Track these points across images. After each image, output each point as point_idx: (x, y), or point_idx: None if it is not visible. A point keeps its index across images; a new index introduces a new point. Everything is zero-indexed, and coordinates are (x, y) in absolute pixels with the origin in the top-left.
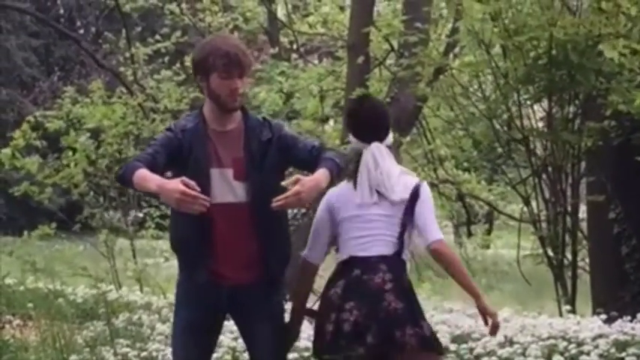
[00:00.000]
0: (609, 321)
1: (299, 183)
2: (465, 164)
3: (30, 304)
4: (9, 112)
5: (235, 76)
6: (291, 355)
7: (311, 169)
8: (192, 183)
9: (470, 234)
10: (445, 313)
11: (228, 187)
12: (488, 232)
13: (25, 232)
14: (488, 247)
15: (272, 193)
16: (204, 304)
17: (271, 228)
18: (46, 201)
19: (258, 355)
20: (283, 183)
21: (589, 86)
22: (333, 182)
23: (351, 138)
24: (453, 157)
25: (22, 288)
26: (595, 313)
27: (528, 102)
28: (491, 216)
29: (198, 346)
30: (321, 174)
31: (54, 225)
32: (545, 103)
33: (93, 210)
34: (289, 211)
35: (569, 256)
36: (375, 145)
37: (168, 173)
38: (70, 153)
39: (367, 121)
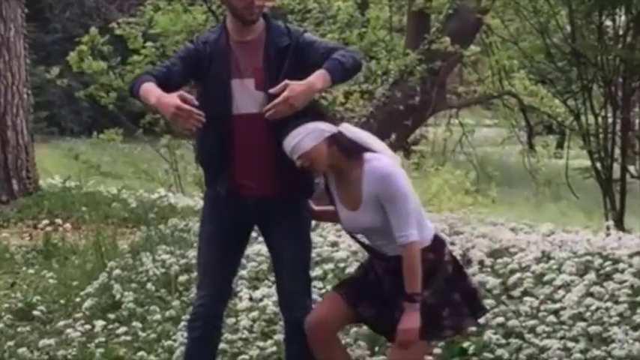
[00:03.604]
0: None
1: (288, 89)
2: (531, 76)
3: (84, 208)
4: (95, 18)
5: None
6: (327, 266)
7: None
8: (190, 97)
9: (530, 145)
10: (489, 226)
11: (250, 98)
12: (560, 143)
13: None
14: (560, 157)
15: None
16: (228, 216)
17: None
18: (111, 105)
19: (281, 268)
20: (271, 90)
21: None
22: (335, 82)
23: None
24: (523, 68)
25: (82, 191)
26: None
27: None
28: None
29: (221, 256)
30: (316, 76)
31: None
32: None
33: (155, 115)
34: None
35: None
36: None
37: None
38: (135, 57)
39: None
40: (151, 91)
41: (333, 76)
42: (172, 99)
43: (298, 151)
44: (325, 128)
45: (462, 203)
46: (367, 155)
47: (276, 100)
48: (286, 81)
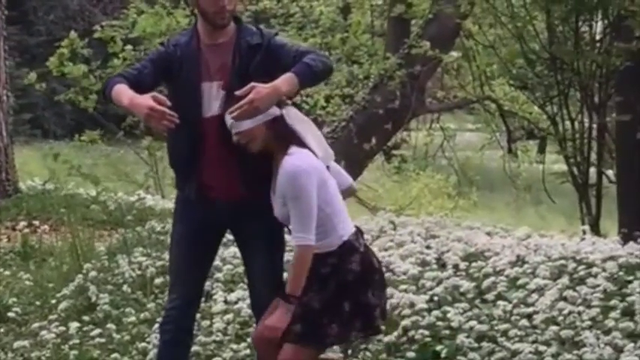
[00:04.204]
0: (631, 241)
1: (253, 91)
2: (511, 82)
3: (63, 210)
4: (79, 21)
5: None
6: None
7: None
8: (163, 98)
9: (510, 150)
10: (466, 230)
11: (219, 101)
12: (542, 148)
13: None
14: (541, 162)
15: None
16: (198, 217)
17: None
18: (91, 109)
19: (253, 270)
20: (237, 92)
21: (617, 7)
22: (303, 86)
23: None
24: (502, 75)
25: (61, 193)
26: (620, 233)
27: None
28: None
29: (192, 258)
30: (283, 79)
31: (98, 132)
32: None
33: (135, 117)
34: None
35: None
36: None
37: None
38: (115, 61)
39: None
40: (123, 92)
41: (300, 80)
42: (145, 100)
43: (238, 127)
44: (269, 110)
45: (442, 207)
46: (292, 148)
47: (242, 102)
48: (252, 83)
